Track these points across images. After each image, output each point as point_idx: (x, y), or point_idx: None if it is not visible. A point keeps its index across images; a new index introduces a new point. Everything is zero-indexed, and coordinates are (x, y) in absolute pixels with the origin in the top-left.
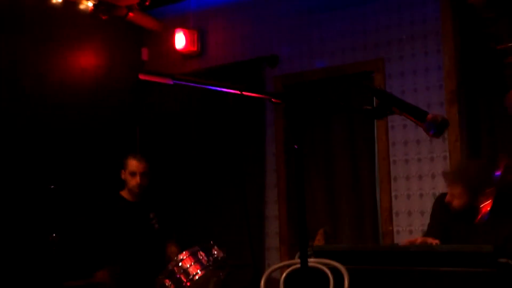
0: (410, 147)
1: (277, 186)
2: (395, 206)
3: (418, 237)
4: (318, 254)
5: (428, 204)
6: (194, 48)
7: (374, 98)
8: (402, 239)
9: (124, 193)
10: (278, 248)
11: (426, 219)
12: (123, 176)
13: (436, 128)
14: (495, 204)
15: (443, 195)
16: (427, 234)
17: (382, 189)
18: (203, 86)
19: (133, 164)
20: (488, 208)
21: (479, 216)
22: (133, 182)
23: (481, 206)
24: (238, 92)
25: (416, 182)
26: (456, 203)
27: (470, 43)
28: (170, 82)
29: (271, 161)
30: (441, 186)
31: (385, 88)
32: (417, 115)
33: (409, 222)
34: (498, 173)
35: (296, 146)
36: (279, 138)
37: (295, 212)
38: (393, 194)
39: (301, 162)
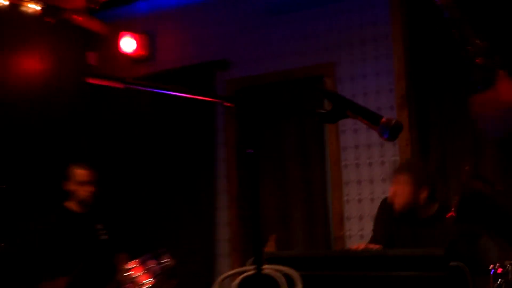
0: (361, 151)
1: (228, 192)
2: (346, 211)
3: (360, 243)
4: (270, 260)
5: None
6: (143, 52)
7: (326, 102)
8: (353, 243)
9: (70, 204)
10: (229, 254)
11: None
12: (70, 187)
13: (390, 132)
14: (458, 211)
15: (387, 198)
16: (371, 239)
17: (333, 193)
18: (155, 90)
19: (81, 173)
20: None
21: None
22: (85, 192)
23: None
24: (190, 96)
25: (367, 187)
26: (399, 199)
27: (420, 46)
28: (121, 86)
29: (222, 166)
30: None
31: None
32: (371, 118)
33: (361, 226)
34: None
35: (250, 151)
36: (230, 143)
37: (246, 218)
38: (344, 198)
39: (256, 167)
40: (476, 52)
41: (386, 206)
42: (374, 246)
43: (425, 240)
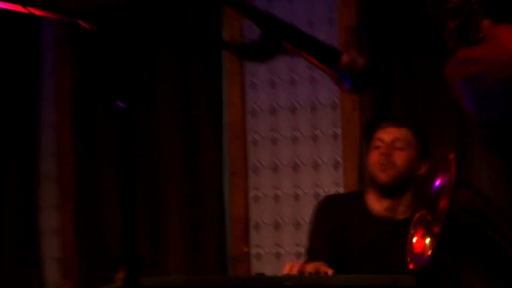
0: (280, 118)
1: (59, 181)
2: (254, 214)
3: (294, 263)
4: None
5: (307, 211)
6: None
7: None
8: (264, 266)
9: None
10: (58, 283)
11: (303, 234)
12: None
13: (355, 78)
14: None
15: (329, 198)
16: (309, 259)
17: (233, 186)
18: None
19: None
20: (430, 251)
21: (417, 260)
22: None
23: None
24: (19, 8)
25: (289, 176)
26: (394, 164)
27: None
28: None
29: (49, 137)
30: (328, 182)
31: None
32: (324, 54)
33: (277, 239)
34: (439, 181)
35: (122, 104)
36: (64, 97)
37: (88, 223)
38: (251, 194)
39: (130, 132)
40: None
41: (331, 206)
42: (324, 268)
43: (394, 257)
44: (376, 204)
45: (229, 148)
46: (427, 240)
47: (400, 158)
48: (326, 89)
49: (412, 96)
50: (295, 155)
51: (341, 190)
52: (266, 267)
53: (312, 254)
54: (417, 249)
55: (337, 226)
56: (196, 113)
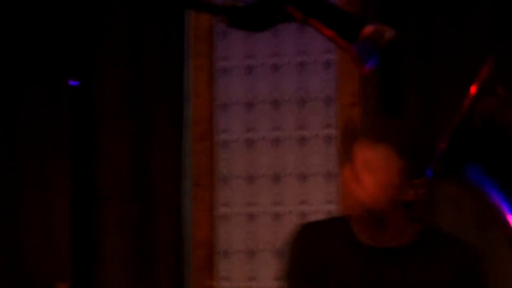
0: (258, 114)
1: None
2: (221, 238)
3: None
4: None
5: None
6: None
7: None
8: None
9: None
10: None
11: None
12: None
13: (381, 54)
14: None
15: (308, 227)
16: None
17: (196, 201)
18: None
19: None
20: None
21: None
22: None
23: None
24: None
25: (268, 189)
26: (370, 191)
27: None
28: None
29: None
30: (317, 198)
31: None
32: (340, 23)
33: (250, 270)
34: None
35: None
36: None
37: None
38: (218, 212)
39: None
40: None
41: (310, 238)
42: None
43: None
44: (361, 231)
45: (191, 151)
46: None
47: (370, 187)
48: (318, 78)
49: (431, 84)
50: (276, 163)
51: (334, 208)
52: None
53: None
54: None
55: (321, 261)
56: (149, 104)
